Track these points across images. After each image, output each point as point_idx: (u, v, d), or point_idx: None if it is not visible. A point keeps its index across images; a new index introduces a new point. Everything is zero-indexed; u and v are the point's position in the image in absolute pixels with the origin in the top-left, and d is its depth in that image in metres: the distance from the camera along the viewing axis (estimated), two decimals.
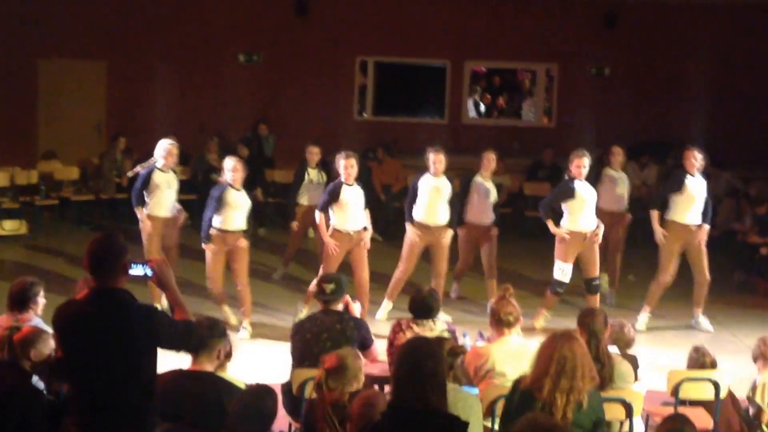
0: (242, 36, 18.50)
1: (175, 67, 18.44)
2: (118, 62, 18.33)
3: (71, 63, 18.14)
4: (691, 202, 10.55)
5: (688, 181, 10.56)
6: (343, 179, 10.35)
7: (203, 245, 10.23)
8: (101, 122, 18.48)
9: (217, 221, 10.11)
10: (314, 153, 12.34)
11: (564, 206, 10.41)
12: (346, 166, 10.32)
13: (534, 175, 16.55)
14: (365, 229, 10.50)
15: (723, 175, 15.66)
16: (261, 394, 4.90)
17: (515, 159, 17.54)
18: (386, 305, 10.97)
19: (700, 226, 10.61)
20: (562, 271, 10.31)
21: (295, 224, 12.16)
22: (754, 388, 6.87)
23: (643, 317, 10.89)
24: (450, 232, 10.84)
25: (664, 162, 16.25)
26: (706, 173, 10.92)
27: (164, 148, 10.74)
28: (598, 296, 10.62)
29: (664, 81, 18.63)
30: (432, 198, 10.70)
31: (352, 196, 10.37)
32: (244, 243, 10.20)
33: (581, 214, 10.32)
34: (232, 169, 10.22)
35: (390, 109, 19.45)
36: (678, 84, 18.61)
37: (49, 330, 6.55)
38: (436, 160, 10.68)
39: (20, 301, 6.85)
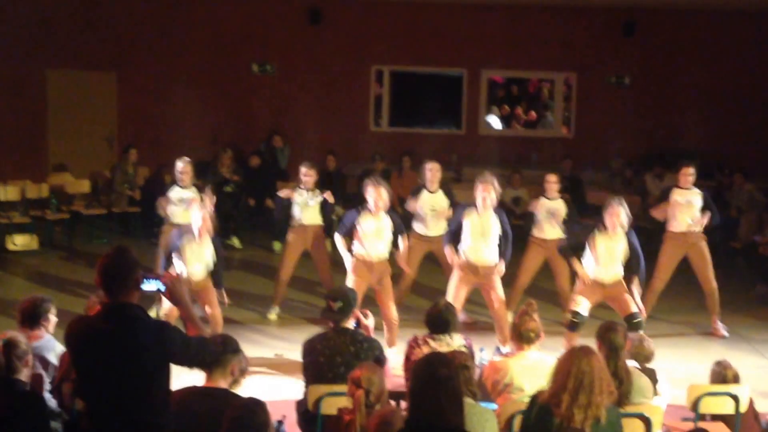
0: (255, 46, 18.38)
1: (187, 77, 18.31)
2: (128, 73, 18.19)
3: (81, 74, 17.94)
4: None
5: None
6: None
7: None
8: (112, 134, 18.32)
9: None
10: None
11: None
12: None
13: None
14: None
15: (745, 187, 15.51)
16: (252, 407, 4.82)
17: (534, 170, 17.42)
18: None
19: None
20: (578, 303, 9.38)
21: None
22: None
23: None
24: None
25: None
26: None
27: (179, 169, 11.18)
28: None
29: (684, 89, 18.50)
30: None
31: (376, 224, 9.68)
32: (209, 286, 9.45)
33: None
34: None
35: (406, 119, 19.29)
36: (698, 92, 18.47)
37: (61, 347, 6.56)
38: (483, 189, 9.71)
39: (31, 318, 6.79)
